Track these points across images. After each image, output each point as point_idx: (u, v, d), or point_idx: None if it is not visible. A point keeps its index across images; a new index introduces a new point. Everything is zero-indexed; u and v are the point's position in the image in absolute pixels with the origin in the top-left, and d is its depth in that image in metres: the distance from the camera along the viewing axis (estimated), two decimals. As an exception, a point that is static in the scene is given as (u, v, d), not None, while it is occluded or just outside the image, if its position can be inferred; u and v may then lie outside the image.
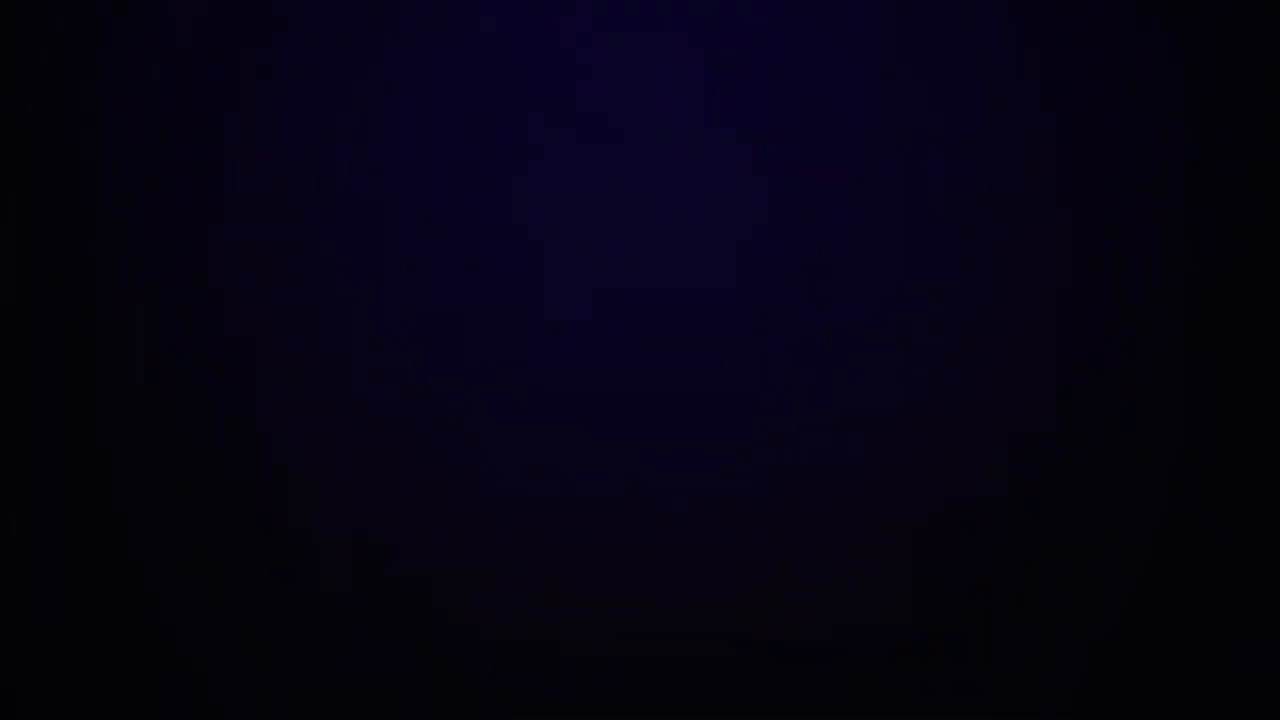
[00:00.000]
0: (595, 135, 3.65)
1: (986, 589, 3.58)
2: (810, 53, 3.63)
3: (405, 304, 3.65)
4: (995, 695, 3.58)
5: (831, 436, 3.60)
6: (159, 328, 3.63)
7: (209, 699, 3.61)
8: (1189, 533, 3.58)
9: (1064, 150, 3.61)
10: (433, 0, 3.67)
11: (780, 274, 3.62)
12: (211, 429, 3.63)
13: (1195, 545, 3.57)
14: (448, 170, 3.65)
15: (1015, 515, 3.59)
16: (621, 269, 3.64)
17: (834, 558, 3.60)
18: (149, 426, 3.63)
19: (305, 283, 3.64)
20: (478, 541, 3.63)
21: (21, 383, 3.63)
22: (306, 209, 3.66)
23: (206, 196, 3.65)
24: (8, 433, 3.62)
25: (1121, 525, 3.59)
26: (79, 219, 3.63)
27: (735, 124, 3.64)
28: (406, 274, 3.65)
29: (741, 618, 3.60)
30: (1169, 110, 3.61)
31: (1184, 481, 3.58)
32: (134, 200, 3.64)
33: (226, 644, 3.62)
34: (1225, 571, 3.57)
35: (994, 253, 3.61)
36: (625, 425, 3.63)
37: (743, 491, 3.61)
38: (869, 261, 3.62)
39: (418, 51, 3.66)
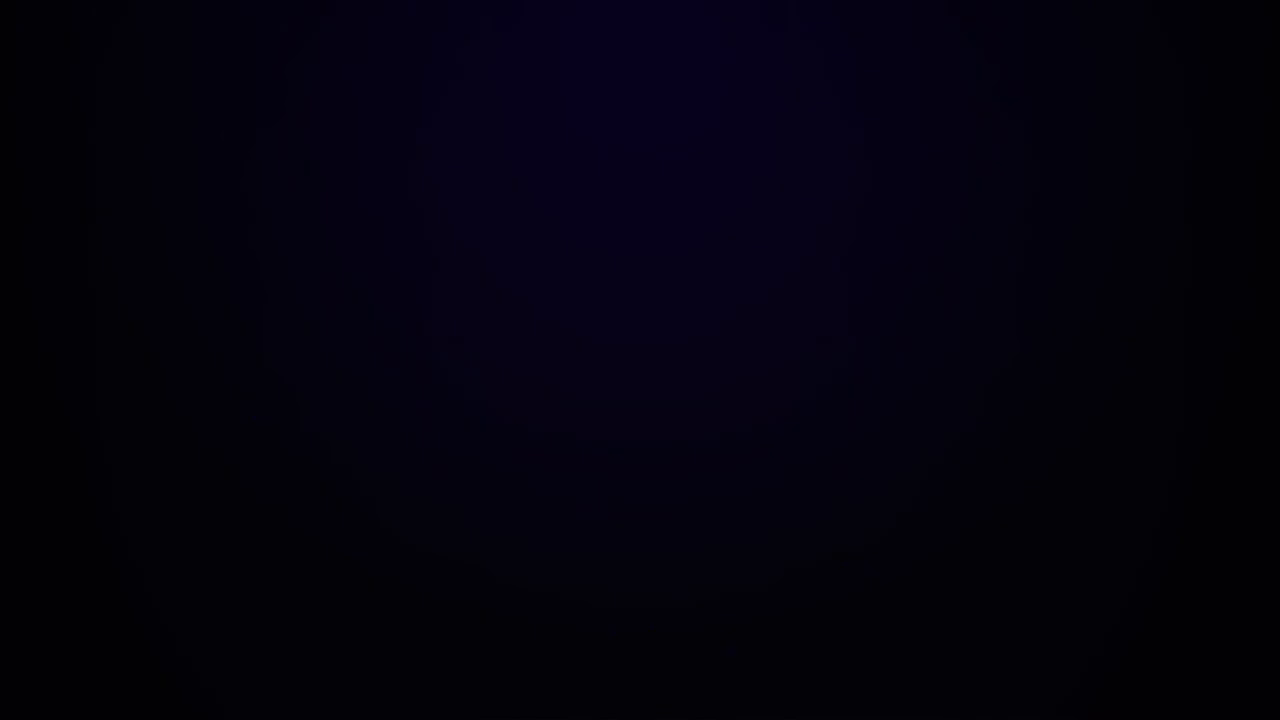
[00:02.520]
0: (600, 129, 3.65)
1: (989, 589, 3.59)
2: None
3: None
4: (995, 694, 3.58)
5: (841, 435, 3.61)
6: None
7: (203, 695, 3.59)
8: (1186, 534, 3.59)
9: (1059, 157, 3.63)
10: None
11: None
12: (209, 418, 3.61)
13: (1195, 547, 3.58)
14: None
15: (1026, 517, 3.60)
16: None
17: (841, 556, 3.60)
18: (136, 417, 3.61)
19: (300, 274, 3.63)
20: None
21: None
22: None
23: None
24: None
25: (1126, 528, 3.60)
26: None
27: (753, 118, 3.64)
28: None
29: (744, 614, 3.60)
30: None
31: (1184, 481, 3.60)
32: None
33: (216, 638, 3.59)
34: (1226, 573, 3.58)
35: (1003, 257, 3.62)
36: (632, 420, 3.62)
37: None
38: (885, 257, 3.63)
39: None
